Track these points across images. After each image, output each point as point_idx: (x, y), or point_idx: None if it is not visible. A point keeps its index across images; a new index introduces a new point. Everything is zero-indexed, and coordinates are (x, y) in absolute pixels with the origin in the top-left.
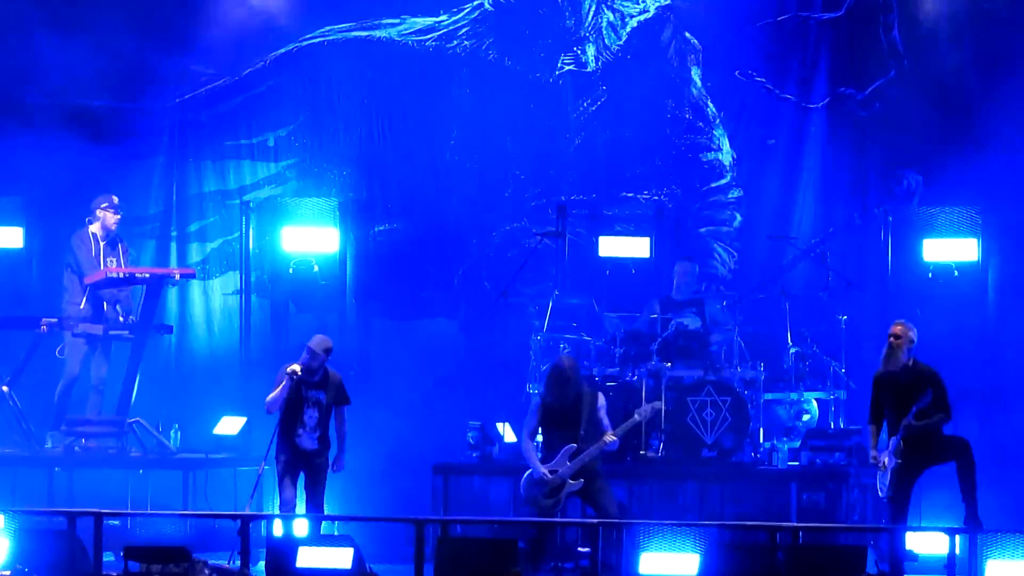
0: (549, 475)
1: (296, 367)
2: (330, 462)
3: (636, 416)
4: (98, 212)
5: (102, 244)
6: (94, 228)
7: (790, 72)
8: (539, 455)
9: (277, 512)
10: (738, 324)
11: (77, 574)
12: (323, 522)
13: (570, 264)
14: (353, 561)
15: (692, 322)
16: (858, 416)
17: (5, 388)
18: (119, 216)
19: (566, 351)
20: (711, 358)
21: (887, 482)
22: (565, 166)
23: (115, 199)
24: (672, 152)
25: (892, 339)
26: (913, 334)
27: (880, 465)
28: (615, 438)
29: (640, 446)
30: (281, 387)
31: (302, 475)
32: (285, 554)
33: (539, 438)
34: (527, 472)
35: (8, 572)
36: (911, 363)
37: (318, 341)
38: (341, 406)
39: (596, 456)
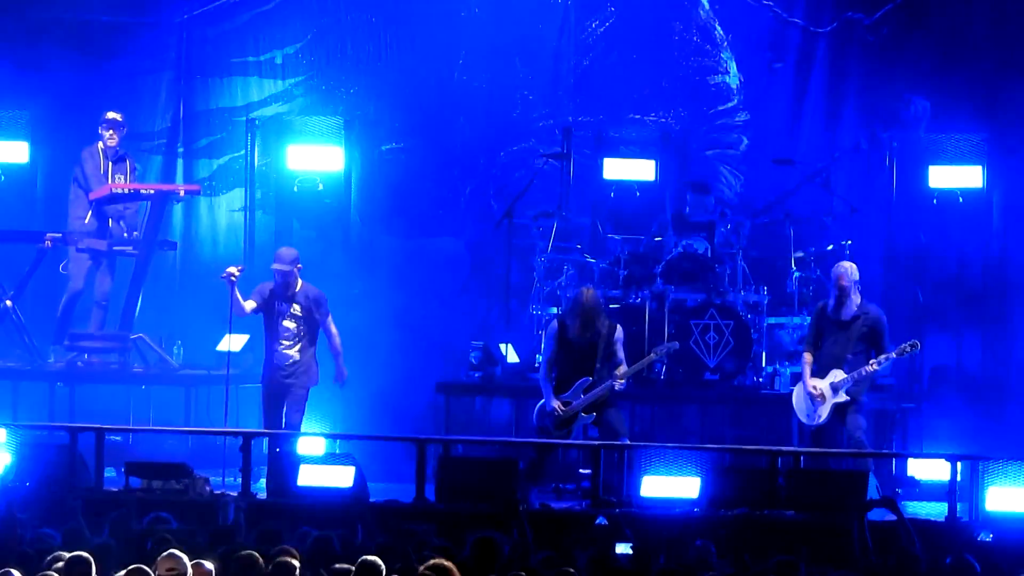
0: (562, 408)
1: (232, 269)
2: (309, 387)
3: (652, 355)
4: (99, 130)
5: (109, 160)
6: (101, 144)
7: None
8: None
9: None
10: (742, 248)
11: (78, 489)
12: (326, 440)
13: (575, 186)
14: (354, 479)
15: (700, 245)
16: None
17: (8, 303)
18: (118, 135)
19: (588, 287)
20: (715, 281)
21: (818, 411)
22: (572, 87)
23: (116, 117)
24: (679, 74)
25: (839, 291)
26: (856, 273)
27: (819, 396)
28: (623, 381)
29: (642, 369)
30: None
31: (283, 401)
32: (286, 472)
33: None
34: (540, 402)
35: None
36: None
37: (284, 252)
38: (324, 320)
39: (608, 391)
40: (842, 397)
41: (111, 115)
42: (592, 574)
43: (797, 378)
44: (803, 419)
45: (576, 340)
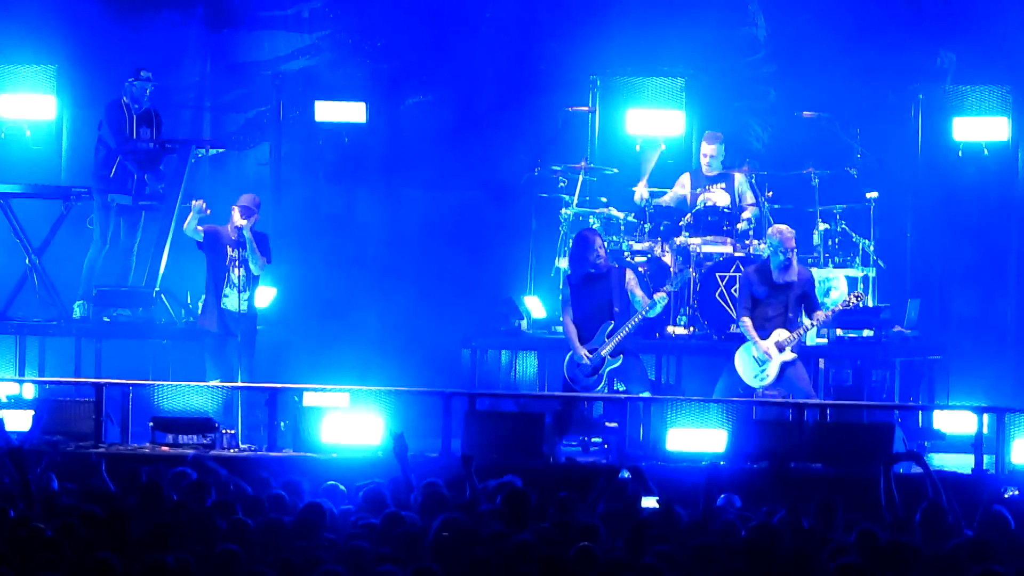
0: (589, 356)
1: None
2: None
3: (668, 287)
4: (127, 85)
5: (134, 115)
6: (126, 99)
7: None
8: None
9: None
10: (768, 200)
11: (104, 444)
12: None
13: (601, 138)
14: (381, 434)
15: (721, 197)
16: (887, 294)
17: (34, 258)
18: (146, 89)
19: (594, 224)
20: (740, 234)
21: (766, 371)
22: (599, 40)
23: (142, 73)
24: (706, 26)
25: (790, 252)
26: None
27: (767, 355)
28: (656, 300)
29: (668, 322)
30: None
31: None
32: (311, 425)
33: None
34: (568, 355)
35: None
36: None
37: (252, 198)
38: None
39: (633, 330)
40: (789, 355)
41: (143, 75)
42: (617, 528)
43: (823, 331)
44: (748, 381)
45: (584, 283)
